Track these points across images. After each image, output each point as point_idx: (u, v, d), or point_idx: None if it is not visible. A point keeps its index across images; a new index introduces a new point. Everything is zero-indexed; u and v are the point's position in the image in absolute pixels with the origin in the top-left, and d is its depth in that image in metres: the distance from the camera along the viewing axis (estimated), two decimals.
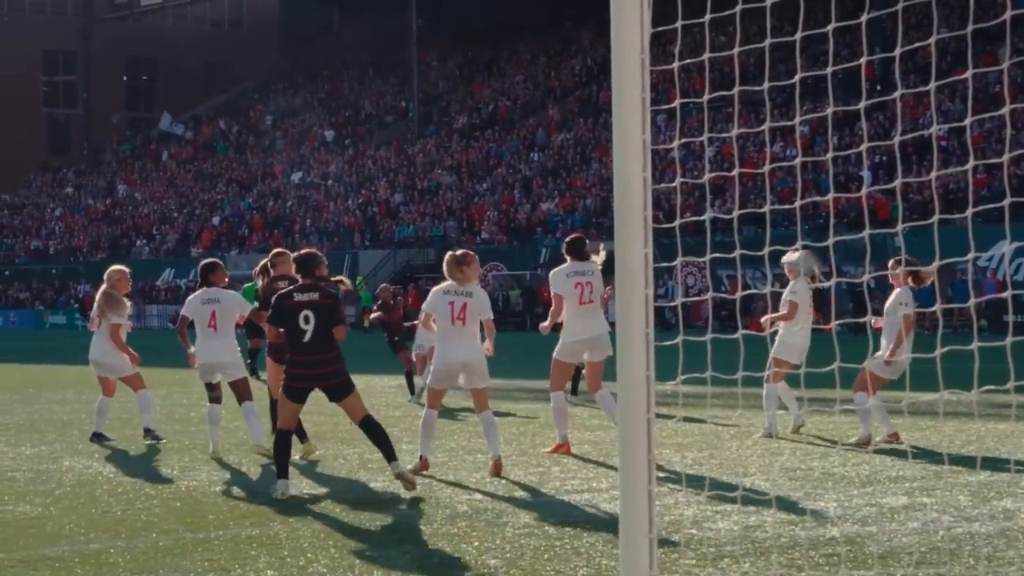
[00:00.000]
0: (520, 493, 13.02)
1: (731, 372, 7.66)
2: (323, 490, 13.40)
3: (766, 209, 8.36)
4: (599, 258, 15.83)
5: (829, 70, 7.93)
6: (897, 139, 8.01)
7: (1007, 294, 22.51)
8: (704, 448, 16.19)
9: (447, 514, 11.86)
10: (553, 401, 15.91)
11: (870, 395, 15.59)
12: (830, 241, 7.44)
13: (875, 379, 15.40)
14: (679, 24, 6.86)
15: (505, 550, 10.28)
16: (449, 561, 9.95)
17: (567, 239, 16.58)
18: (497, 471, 14.04)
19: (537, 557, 10.00)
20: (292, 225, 76.65)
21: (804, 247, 16.87)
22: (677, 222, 7.31)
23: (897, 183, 8.75)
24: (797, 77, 7.68)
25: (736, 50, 7.25)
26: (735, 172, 8.41)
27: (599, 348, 15.71)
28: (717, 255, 7.91)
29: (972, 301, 9.63)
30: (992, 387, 8.98)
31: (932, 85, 7.60)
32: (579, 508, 12.13)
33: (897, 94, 7.81)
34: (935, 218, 7.01)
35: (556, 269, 15.89)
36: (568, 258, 15.80)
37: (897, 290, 16.05)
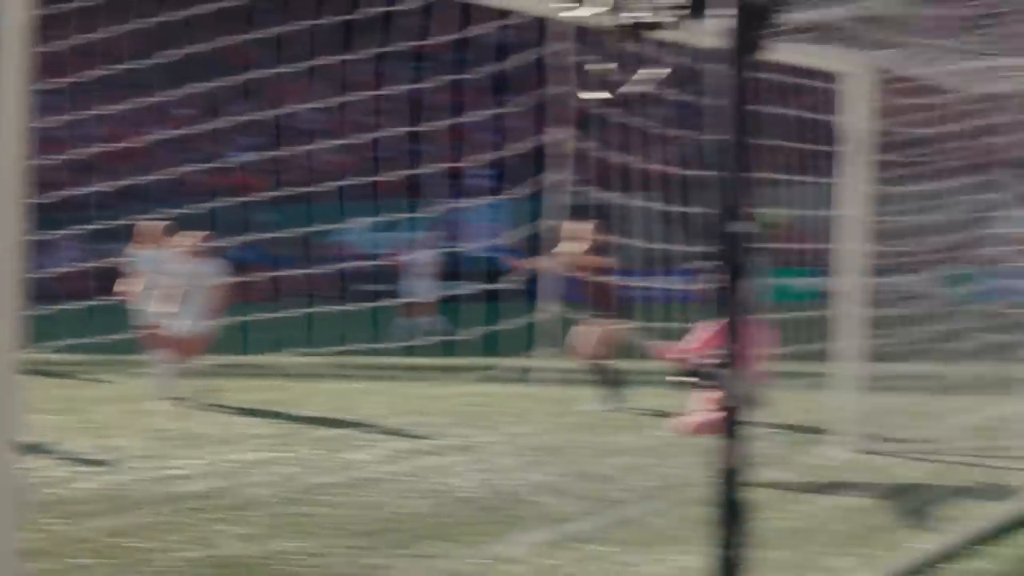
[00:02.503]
0: None
1: (111, 339, 7.52)
2: None
3: (129, 181, 8.27)
4: None
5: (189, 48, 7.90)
6: (269, 119, 8.14)
7: (360, 264, 23.29)
8: (73, 412, 15.74)
9: None
10: None
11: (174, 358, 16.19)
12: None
13: (179, 343, 16.02)
14: (69, 5, 6.67)
15: None
16: None
17: None
18: None
19: None
20: None
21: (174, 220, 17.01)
22: (48, 197, 7.14)
23: (266, 159, 8.90)
24: (166, 58, 7.64)
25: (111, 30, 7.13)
26: (108, 148, 8.30)
27: None
28: (92, 227, 7.75)
29: (330, 268, 9.94)
30: (342, 348, 9.29)
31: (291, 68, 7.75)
32: None
33: (257, 74, 7.92)
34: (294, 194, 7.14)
35: None
36: None
37: (204, 259, 16.73)
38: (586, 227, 14.75)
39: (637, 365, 13.98)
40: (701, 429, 10.88)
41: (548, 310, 13.96)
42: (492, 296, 9.90)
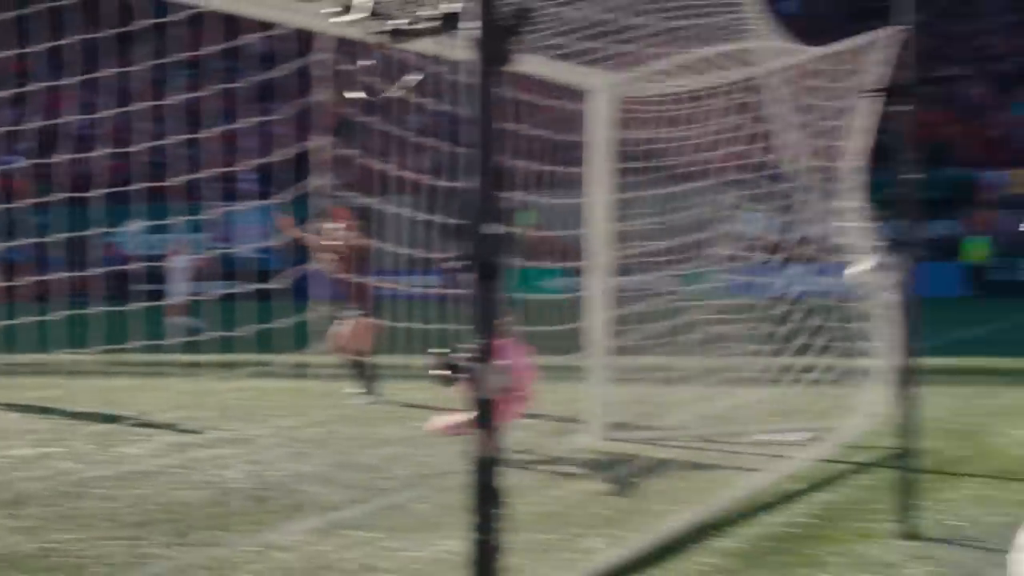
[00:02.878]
0: None
1: None
2: None
3: None
4: None
5: None
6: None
7: (131, 267, 22.73)
8: None
9: None
10: None
11: None
12: None
13: None
14: None
15: None
16: None
17: None
18: None
19: None
20: None
21: None
22: None
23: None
24: None
25: None
26: None
27: None
28: None
29: (100, 269, 9.67)
30: (112, 347, 9.05)
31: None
32: None
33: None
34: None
35: None
36: None
37: None
38: (340, 222, 14.74)
39: (396, 359, 13.98)
40: (452, 430, 11.08)
41: (317, 308, 13.84)
42: (264, 295, 9.78)
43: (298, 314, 8.82)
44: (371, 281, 14.01)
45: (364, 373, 15.64)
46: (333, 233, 14.82)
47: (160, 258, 26.35)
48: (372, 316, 14.73)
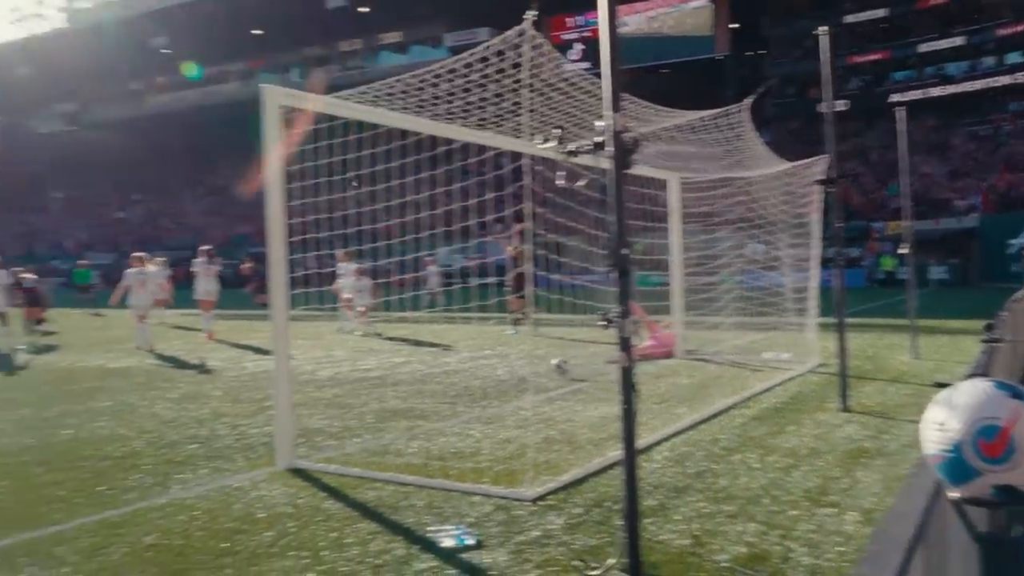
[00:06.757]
0: None
1: None
2: None
3: None
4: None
5: None
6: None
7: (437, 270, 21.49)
8: None
9: None
10: None
11: None
12: None
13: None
14: None
15: None
16: None
17: None
18: None
19: None
20: None
21: None
22: None
23: None
24: None
25: None
26: None
27: None
28: None
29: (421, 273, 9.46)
30: (423, 311, 8.87)
31: None
32: None
33: None
34: None
35: None
36: None
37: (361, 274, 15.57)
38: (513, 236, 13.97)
39: (566, 317, 13.54)
40: (642, 352, 10.64)
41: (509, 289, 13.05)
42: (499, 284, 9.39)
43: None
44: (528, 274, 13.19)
45: (528, 321, 14.83)
46: (514, 248, 14.09)
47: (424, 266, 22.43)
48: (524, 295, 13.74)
